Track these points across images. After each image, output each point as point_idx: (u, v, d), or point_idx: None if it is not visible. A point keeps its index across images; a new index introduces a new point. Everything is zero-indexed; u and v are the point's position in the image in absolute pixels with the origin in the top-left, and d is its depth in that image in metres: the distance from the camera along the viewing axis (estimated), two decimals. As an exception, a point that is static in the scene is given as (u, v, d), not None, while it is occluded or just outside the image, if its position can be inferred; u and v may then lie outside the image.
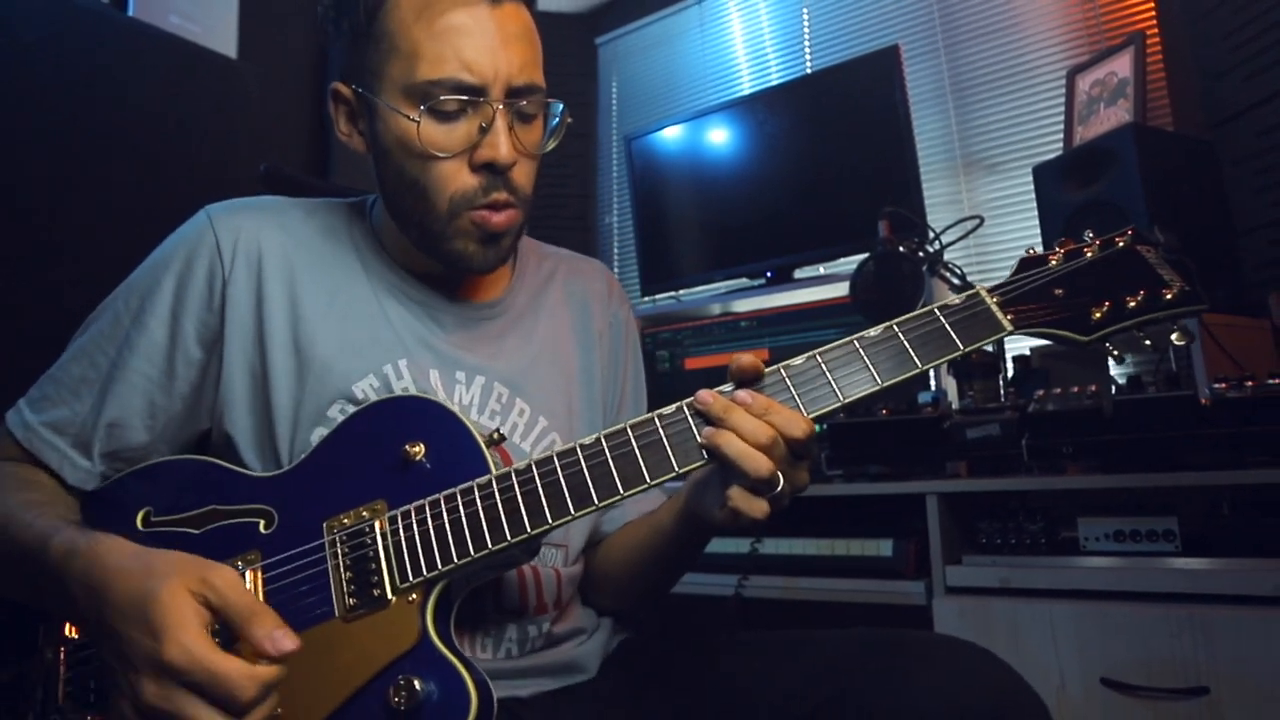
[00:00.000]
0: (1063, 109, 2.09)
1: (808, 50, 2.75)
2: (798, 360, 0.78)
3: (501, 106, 0.83)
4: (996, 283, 0.80)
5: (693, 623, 1.79)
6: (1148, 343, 0.77)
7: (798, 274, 2.28)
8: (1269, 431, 1.26)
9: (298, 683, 0.71)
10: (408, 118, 0.82)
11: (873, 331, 0.78)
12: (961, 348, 0.77)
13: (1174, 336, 0.76)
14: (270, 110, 2.19)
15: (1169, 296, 0.75)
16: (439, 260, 0.90)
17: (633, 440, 0.77)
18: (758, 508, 0.75)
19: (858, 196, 2.10)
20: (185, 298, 0.87)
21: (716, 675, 0.88)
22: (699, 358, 2.24)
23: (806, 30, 2.76)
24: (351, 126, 0.92)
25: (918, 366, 0.76)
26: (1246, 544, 1.28)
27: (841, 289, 1.91)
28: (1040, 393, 1.48)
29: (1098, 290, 0.77)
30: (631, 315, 1.14)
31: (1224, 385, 1.29)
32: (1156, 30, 2.12)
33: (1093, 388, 1.41)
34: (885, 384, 0.76)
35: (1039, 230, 1.79)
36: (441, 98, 0.82)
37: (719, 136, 2.45)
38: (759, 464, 0.72)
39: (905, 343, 0.77)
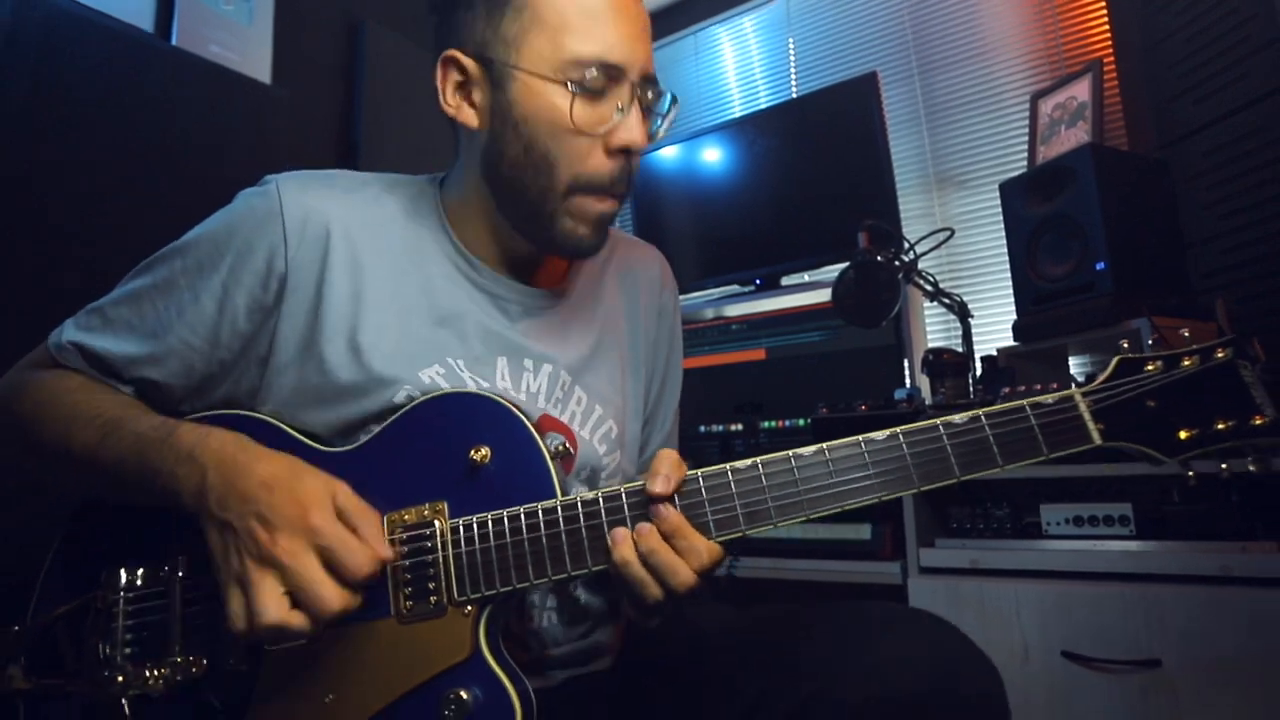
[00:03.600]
0: (1027, 130, 2.09)
1: (793, 76, 2.75)
2: (879, 435, 0.71)
3: (638, 91, 0.79)
4: (1091, 386, 0.70)
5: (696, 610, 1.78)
6: (1223, 467, 0.69)
7: (784, 281, 2.28)
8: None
9: (349, 675, 0.70)
10: (562, 84, 0.76)
11: (959, 418, 0.70)
12: (1045, 454, 0.68)
13: (1250, 463, 0.68)
14: (301, 130, 2.19)
15: (1258, 423, 0.67)
16: (539, 239, 0.83)
17: (703, 488, 0.71)
18: (650, 620, 0.72)
19: (839, 210, 2.10)
20: (241, 274, 0.79)
21: (706, 672, 0.83)
22: (694, 358, 2.24)
23: (792, 58, 2.75)
24: (461, 98, 0.82)
25: (999, 465, 0.68)
26: (1194, 528, 1.28)
27: (824, 295, 1.91)
28: (1006, 390, 1.48)
29: (1190, 408, 0.68)
30: (679, 304, 1.08)
31: (1174, 383, 1.29)
32: (1113, 58, 2.12)
33: (1054, 386, 1.41)
34: (963, 478, 0.69)
35: (1004, 240, 1.79)
36: (590, 73, 0.76)
37: (712, 155, 2.45)
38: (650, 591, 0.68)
39: (990, 437, 0.69)
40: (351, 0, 2.47)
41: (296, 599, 0.66)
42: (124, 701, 0.74)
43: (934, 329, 2.30)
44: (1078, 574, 1.33)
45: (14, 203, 1.48)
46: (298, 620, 0.65)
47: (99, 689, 0.75)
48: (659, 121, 0.85)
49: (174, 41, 1.87)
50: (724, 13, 2.91)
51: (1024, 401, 0.69)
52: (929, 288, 1.77)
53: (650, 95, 0.81)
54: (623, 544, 0.68)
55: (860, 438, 0.70)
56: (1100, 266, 1.55)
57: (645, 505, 0.70)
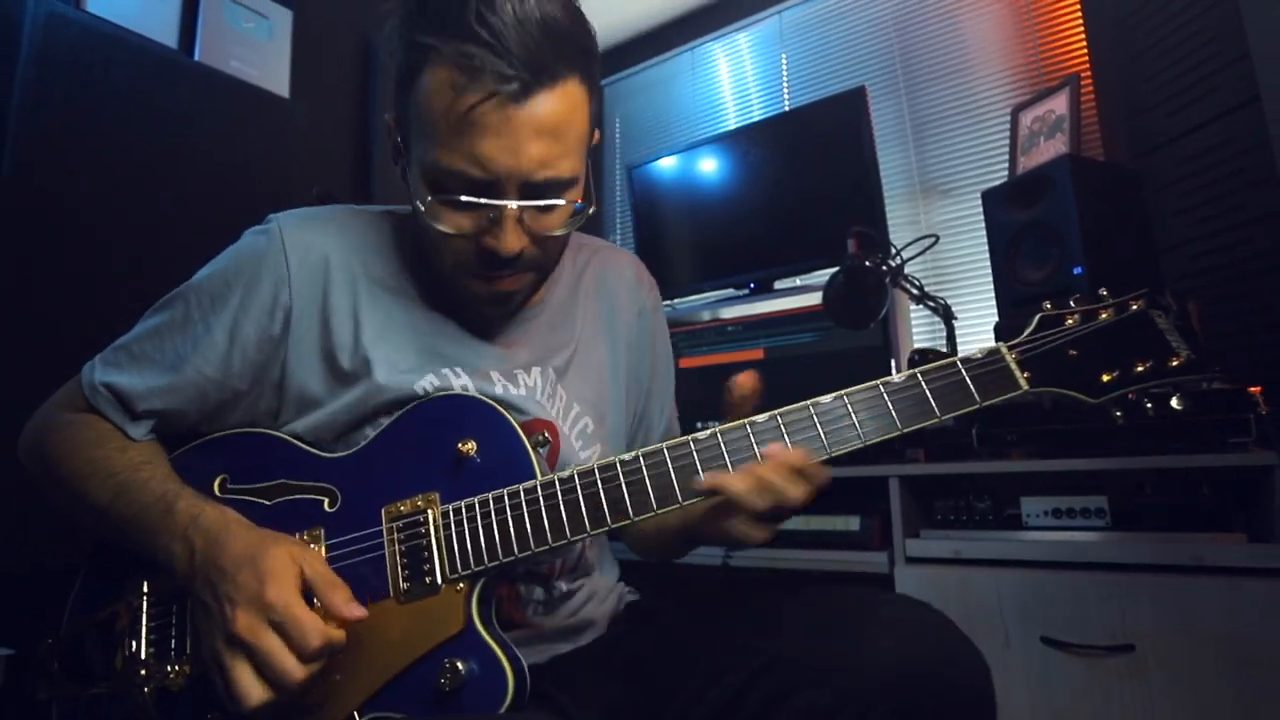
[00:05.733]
0: (1008, 141, 2.09)
1: (786, 90, 2.75)
2: (826, 399, 0.73)
3: (513, 204, 0.73)
4: (1017, 340, 0.72)
5: (693, 589, 1.78)
6: (1148, 405, 0.69)
7: (777, 285, 2.28)
8: (1186, 422, 1.26)
9: (353, 655, 0.71)
10: (421, 192, 0.75)
11: (898, 378, 0.72)
12: (979, 402, 0.69)
13: (1173, 401, 0.69)
14: (318, 142, 2.20)
15: (1175, 364, 0.69)
16: (450, 299, 0.86)
17: (669, 461, 0.74)
18: (758, 535, 0.76)
19: (829, 217, 2.10)
20: (250, 307, 0.82)
21: (688, 643, 0.81)
22: (692, 358, 2.25)
23: (785, 73, 2.76)
24: (397, 161, 0.83)
25: (937, 416, 0.70)
26: (1167, 520, 1.29)
27: (815, 298, 1.92)
28: (988, 388, 1.48)
29: (1109, 354, 0.71)
30: (659, 303, 1.06)
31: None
32: (1090, 73, 2.12)
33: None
34: (905, 430, 0.71)
35: (987, 246, 1.79)
36: (450, 188, 0.73)
37: (708, 166, 2.45)
38: (756, 503, 0.72)
39: (927, 392, 0.71)
40: (366, 17, 2.47)
41: (263, 674, 0.66)
42: (146, 690, 0.77)
43: (919, 331, 2.30)
44: (1056, 563, 1.33)
45: (44, 213, 1.48)
46: (270, 695, 0.66)
47: (125, 684, 0.78)
48: (554, 214, 0.77)
49: (196, 57, 1.87)
50: (719, 30, 2.92)
51: (955, 359, 0.71)
52: (915, 291, 1.77)
53: (541, 197, 0.74)
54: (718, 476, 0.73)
55: (809, 402, 0.74)
56: (1077, 271, 1.55)
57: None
